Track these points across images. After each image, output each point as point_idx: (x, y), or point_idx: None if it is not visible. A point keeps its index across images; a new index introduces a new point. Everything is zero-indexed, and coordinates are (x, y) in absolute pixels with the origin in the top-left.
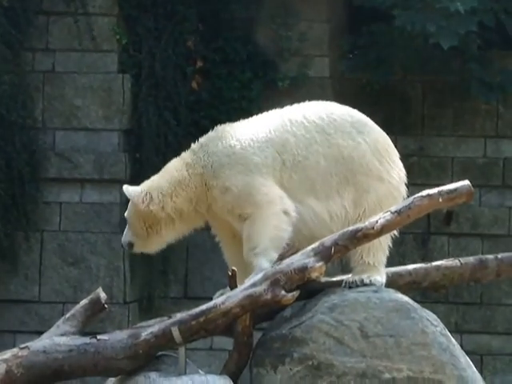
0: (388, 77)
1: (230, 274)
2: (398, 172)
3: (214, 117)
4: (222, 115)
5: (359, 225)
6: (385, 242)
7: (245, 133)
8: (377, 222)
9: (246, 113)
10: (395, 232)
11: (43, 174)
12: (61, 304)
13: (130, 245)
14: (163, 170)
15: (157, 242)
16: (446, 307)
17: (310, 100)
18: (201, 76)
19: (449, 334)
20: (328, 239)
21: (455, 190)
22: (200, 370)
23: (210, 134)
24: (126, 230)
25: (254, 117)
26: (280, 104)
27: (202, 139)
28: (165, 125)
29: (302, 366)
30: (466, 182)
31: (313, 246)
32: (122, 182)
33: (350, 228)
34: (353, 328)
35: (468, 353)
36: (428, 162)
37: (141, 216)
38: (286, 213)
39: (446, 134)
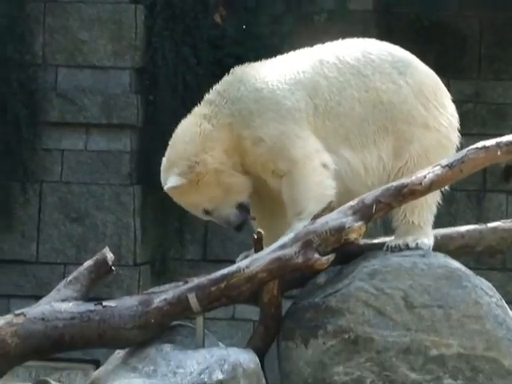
0: (440, 11)
1: (256, 236)
2: (448, 118)
3: (239, 55)
4: (249, 53)
5: (405, 180)
6: (432, 198)
7: (270, 74)
8: (425, 176)
9: (276, 51)
10: (445, 187)
11: (43, 118)
12: (62, 265)
13: (243, 223)
14: (176, 136)
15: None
16: (503, 275)
17: (349, 37)
18: (225, 8)
19: (506, 305)
20: (369, 196)
21: None
22: (220, 343)
23: (227, 78)
24: (216, 216)
25: (278, 57)
26: (315, 41)
27: (217, 86)
28: (183, 63)
29: (336, 340)
30: None
31: (351, 203)
32: (133, 128)
33: (395, 183)
34: (396, 297)
35: None
36: (485, 109)
37: (205, 192)
38: (324, 166)
39: (506, 78)
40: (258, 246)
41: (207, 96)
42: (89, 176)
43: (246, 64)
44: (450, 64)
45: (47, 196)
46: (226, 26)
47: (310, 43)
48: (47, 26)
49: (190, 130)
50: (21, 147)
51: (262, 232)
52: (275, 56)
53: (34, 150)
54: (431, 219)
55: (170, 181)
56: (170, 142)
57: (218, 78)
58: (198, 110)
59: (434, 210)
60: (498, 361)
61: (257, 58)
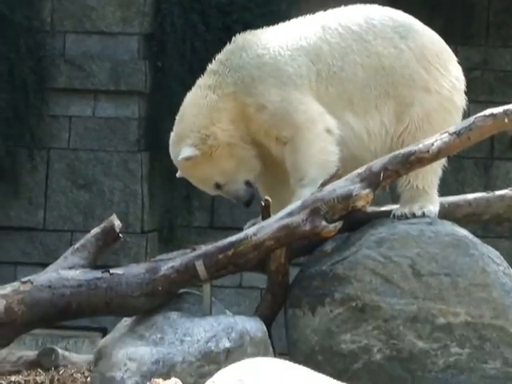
0: None
1: (263, 204)
2: (451, 81)
3: (248, 21)
4: (258, 19)
5: (412, 147)
6: (436, 162)
7: (272, 40)
8: (432, 144)
9: (285, 17)
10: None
11: (50, 84)
12: (69, 232)
13: (252, 198)
14: (183, 109)
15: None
16: (511, 243)
17: (359, 3)
18: None
19: None
20: (376, 163)
21: None
22: (227, 311)
23: (228, 47)
24: (226, 190)
25: (280, 24)
26: (324, 7)
27: (219, 56)
28: (191, 29)
29: (344, 308)
30: None
31: (359, 170)
32: (141, 94)
33: (402, 151)
34: (403, 265)
35: None
36: (493, 76)
37: (217, 165)
38: (328, 131)
39: None
40: (266, 213)
41: (210, 66)
42: (96, 143)
43: (248, 32)
44: (458, 31)
45: (54, 163)
46: None
47: (320, 9)
48: None
49: (196, 102)
50: (28, 113)
51: (270, 200)
52: (284, 22)
53: (41, 116)
54: (436, 183)
55: (184, 152)
56: (177, 117)
57: (226, 44)
58: (203, 81)
59: (439, 173)
60: (505, 329)
61: (265, 24)
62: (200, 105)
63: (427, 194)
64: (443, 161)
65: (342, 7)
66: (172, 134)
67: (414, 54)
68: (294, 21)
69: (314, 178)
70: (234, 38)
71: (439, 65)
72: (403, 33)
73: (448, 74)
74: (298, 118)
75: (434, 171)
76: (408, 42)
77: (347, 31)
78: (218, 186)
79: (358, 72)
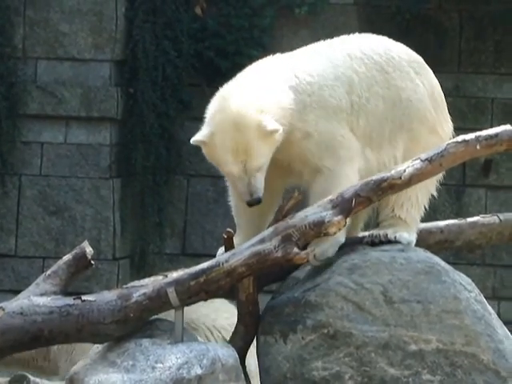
0: (421, 4)
1: (226, 236)
2: (449, 127)
3: (220, 47)
4: (230, 46)
5: (384, 174)
6: (423, 198)
7: (313, 67)
8: (404, 170)
9: (257, 44)
10: (433, 191)
11: (22, 110)
12: (40, 259)
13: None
14: (262, 81)
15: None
16: (483, 270)
17: (330, 31)
18: (206, 0)
19: (485, 300)
20: (348, 190)
21: (495, 135)
22: (199, 338)
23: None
24: (253, 179)
25: (301, 49)
26: (296, 34)
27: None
28: (163, 56)
29: (315, 335)
30: (508, 127)
31: (331, 197)
32: (113, 121)
33: (374, 177)
34: (375, 292)
35: (506, 323)
36: (465, 102)
37: (271, 151)
38: (359, 171)
39: (486, 72)
40: (229, 245)
41: (280, 60)
42: (68, 169)
43: (274, 55)
44: (430, 57)
45: (26, 189)
46: (207, 18)
47: (291, 36)
48: (27, 18)
49: (273, 86)
50: (0, 139)
51: (232, 231)
52: (256, 49)
53: (13, 142)
54: (418, 218)
55: (269, 123)
56: (248, 87)
57: (198, 70)
58: (278, 72)
59: (422, 210)
60: (477, 356)
61: (237, 51)
62: (275, 91)
63: (406, 225)
64: (427, 198)
65: (354, 35)
66: (243, 101)
67: (427, 91)
68: (312, 46)
69: None
70: (265, 59)
71: (443, 108)
72: (417, 68)
73: (447, 118)
74: (342, 153)
75: (419, 206)
76: (422, 78)
77: (370, 61)
78: (252, 171)
79: (380, 104)
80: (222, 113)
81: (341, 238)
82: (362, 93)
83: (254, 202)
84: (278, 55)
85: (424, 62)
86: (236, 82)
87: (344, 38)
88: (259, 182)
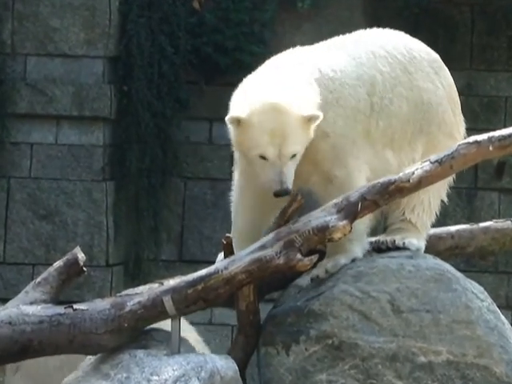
0: None
1: (225, 241)
2: (464, 130)
3: (218, 43)
4: (229, 41)
5: (392, 176)
6: (435, 203)
7: (335, 63)
8: (413, 173)
9: (258, 39)
10: (444, 197)
11: (11, 109)
12: (30, 266)
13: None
14: (291, 73)
15: None
16: (495, 278)
17: (335, 26)
18: None
19: (498, 310)
20: (354, 193)
21: (509, 136)
22: (197, 349)
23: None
24: (285, 168)
25: (321, 43)
26: (299, 29)
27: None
28: (159, 52)
29: (319, 346)
30: None
31: (336, 200)
32: (106, 120)
33: (381, 180)
34: (382, 301)
35: None
36: (477, 101)
37: (306, 141)
38: (378, 171)
39: (499, 69)
40: (227, 251)
41: (302, 53)
42: (59, 171)
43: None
44: (440, 53)
45: (15, 192)
46: (205, 12)
47: (293, 31)
48: (16, 12)
49: (300, 79)
50: None
51: (231, 236)
52: (257, 45)
53: (1, 143)
54: (429, 224)
55: (311, 109)
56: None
57: (196, 67)
58: (302, 67)
59: (434, 215)
60: (490, 368)
61: (237, 46)
62: (301, 83)
63: (416, 230)
64: (439, 204)
65: (374, 30)
66: (284, 87)
67: (446, 94)
68: (333, 41)
69: (361, 233)
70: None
71: (459, 110)
72: (437, 69)
73: (462, 120)
74: (351, 162)
75: (430, 212)
76: (441, 79)
77: (394, 60)
78: (288, 158)
79: (404, 106)
80: (262, 94)
81: (358, 252)
82: (385, 94)
83: (283, 193)
84: (298, 48)
85: (441, 61)
86: (265, 70)
87: (361, 33)
88: (291, 172)
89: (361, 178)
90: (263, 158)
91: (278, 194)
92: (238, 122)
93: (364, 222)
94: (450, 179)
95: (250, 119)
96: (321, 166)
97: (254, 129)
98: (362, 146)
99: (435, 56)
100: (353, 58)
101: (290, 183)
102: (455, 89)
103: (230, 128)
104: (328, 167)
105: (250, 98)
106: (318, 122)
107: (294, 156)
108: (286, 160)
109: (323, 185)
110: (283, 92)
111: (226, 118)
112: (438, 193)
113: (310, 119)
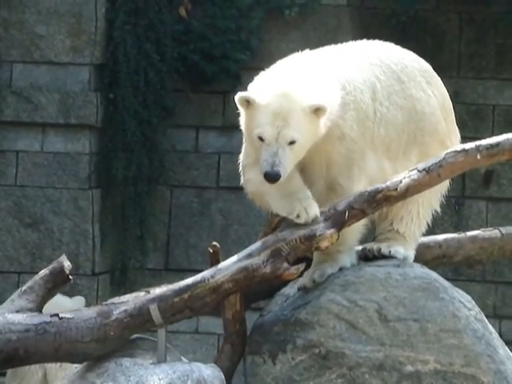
0: (417, 6)
1: (211, 250)
2: (457, 139)
3: (205, 51)
4: (216, 49)
5: (379, 185)
6: (424, 213)
7: (345, 65)
8: (401, 181)
9: (245, 47)
10: (437, 207)
11: None
12: (16, 274)
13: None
14: (310, 70)
15: None
16: (483, 287)
17: (322, 34)
18: (190, 1)
19: (485, 319)
20: (341, 202)
21: (496, 144)
22: (183, 358)
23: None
24: (281, 151)
25: (319, 50)
26: (286, 37)
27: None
28: (145, 59)
29: (306, 355)
30: (510, 136)
31: (323, 209)
32: (92, 128)
33: (369, 189)
34: (369, 310)
35: (508, 343)
36: (464, 109)
37: (309, 133)
38: (375, 180)
39: (487, 77)
40: (214, 260)
41: (326, 56)
42: (45, 179)
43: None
44: (429, 61)
45: (0, 200)
46: (192, 20)
47: (281, 38)
48: (1, 19)
49: (329, 81)
50: None
51: (218, 245)
52: (244, 52)
53: None
54: (418, 235)
55: (319, 101)
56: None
57: (182, 75)
58: (326, 68)
59: (424, 226)
60: (477, 378)
61: (224, 54)
62: (325, 85)
63: (404, 240)
64: (430, 215)
65: (364, 41)
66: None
67: (439, 102)
68: (329, 48)
69: (350, 246)
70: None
71: (452, 118)
72: (428, 78)
73: (456, 128)
74: (355, 171)
75: (420, 222)
76: (433, 88)
77: (388, 70)
78: (287, 143)
79: (398, 115)
80: (276, 80)
81: (345, 261)
82: (383, 101)
83: (272, 175)
84: (306, 51)
85: (433, 71)
86: (282, 66)
87: (350, 44)
88: (286, 158)
89: (363, 185)
90: (261, 139)
91: (268, 177)
92: (247, 102)
93: (353, 232)
94: (443, 189)
95: (258, 100)
96: (331, 170)
97: (260, 109)
98: (367, 157)
99: (426, 65)
100: (355, 63)
101: (282, 168)
102: (448, 98)
103: (240, 109)
104: (335, 174)
105: (265, 82)
106: (325, 115)
107: (292, 143)
108: (282, 143)
109: (325, 191)
110: (300, 83)
111: (236, 97)
112: (429, 203)
113: (317, 110)
